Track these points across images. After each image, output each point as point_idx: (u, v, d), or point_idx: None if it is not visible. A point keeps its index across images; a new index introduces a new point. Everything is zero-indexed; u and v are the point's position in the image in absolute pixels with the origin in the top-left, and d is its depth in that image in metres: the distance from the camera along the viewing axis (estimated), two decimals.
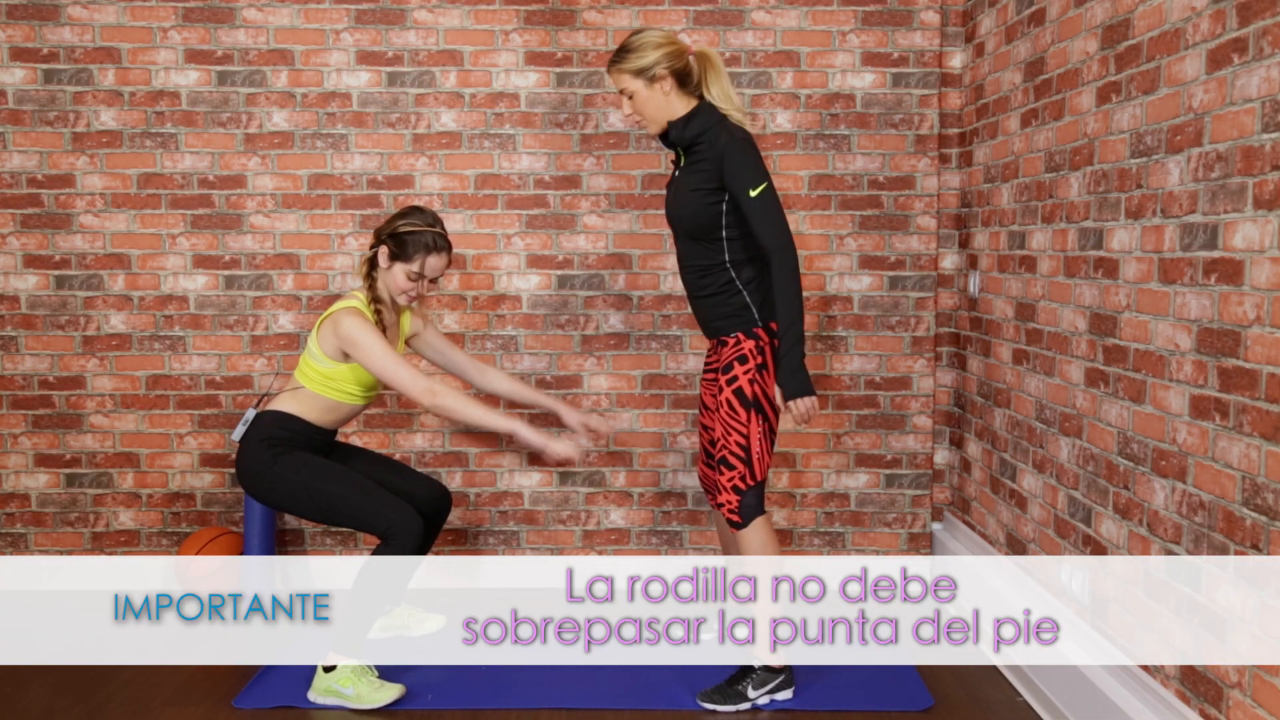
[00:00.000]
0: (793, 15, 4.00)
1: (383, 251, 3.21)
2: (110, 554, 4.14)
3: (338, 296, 4.05)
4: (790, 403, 2.99)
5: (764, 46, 4.00)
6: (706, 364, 3.28)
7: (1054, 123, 3.19)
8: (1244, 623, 2.23)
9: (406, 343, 3.44)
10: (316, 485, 3.12)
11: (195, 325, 4.08)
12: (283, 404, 3.22)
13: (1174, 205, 2.50)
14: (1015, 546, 3.52)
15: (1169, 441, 2.53)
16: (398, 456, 4.09)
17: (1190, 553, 2.44)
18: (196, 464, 4.11)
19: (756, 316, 3.05)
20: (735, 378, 3.03)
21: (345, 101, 4.01)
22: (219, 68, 4.00)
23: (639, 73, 3.00)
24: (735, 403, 3.03)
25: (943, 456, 4.23)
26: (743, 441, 3.04)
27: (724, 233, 3.04)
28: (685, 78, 3.04)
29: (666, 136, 3.10)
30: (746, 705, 3.07)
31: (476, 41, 4.01)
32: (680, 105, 3.04)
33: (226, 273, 4.06)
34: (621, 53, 3.03)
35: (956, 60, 4.10)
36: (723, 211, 3.02)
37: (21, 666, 3.39)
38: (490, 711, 3.05)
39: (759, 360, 3.04)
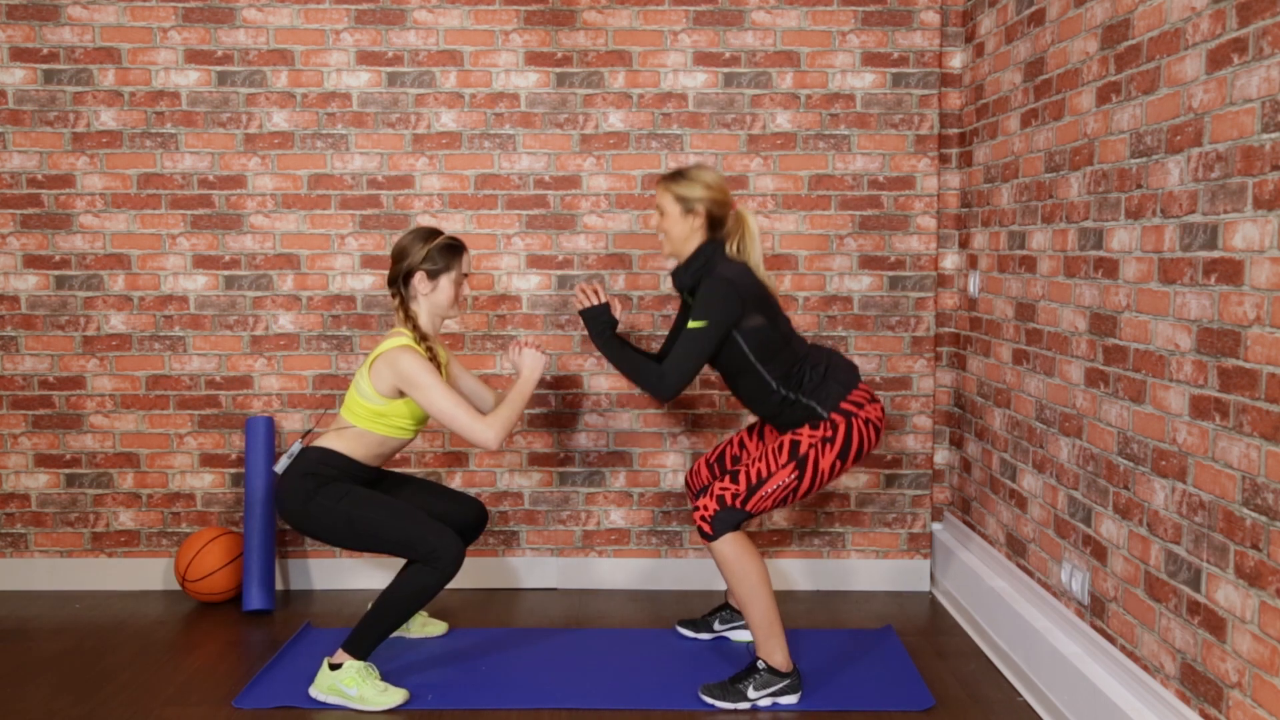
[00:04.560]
0: (793, 15, 4.00)
1: (419, 279, 3.21)
2: (110, 554, 4.14)
3: (337, 297, 4.06)
4: (580, 312, 3.30)
5: (764, 46, 4.00)
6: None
7: (1054, 123, 3.19)
8: (1244, 623, 2.23)
9: None
10: (357, 514, 3.12)
11: (195, 325, 4.08)
12: (330, 441, 3.22)
13: (1174, 205, 2.50)
14: (1015, 546, 3.52)
15: (1169, 441, 2.53)
16: (398, 457, 4.09)
17: (1190, 553, 2.44)
18: (196, 464, 4.11)
19: (823, 412, 3.11)
20: (801, 435, 3.11)
21: (345, 101, 4.01)
22: (219, 68, 4.00)
23: (680, 199, 3.18)
24: (787, 448, 3.10)
25: (943, 456, 4.23)
26: (763, 474, 3.08)
27: (755, 363, 3.12)
28: (717, 224, 3.21)
29: (674, 277, 3.28)
30: (745, 705, 3.07)
31: (476, 41, 4.01)
32: (696, 241, 3.19)
33: (226, 273, 4.06)
34: (676, 175, 3.21)
35: (956, 60, 4.10)
36: (743, 346, 3.10)
37: (21, 666, 3.39)
38: (490, 711, 3.05)
39: (828, 434, 3.10)
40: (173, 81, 4.00)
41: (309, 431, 3.36)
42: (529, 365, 3.30)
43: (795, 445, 3.09)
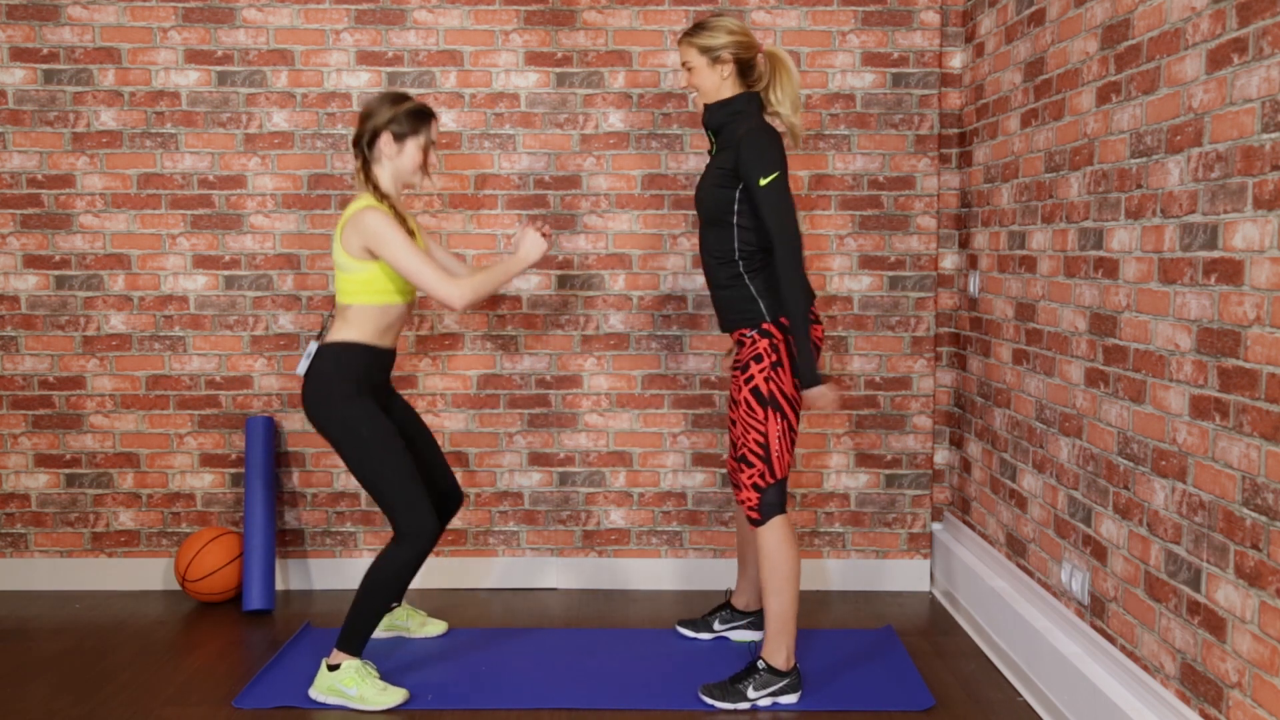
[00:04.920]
0: (793, 15, 4.00)
1: (385, 141, 3.16)
2: (110, 554, 4.14)
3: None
4: (805, 394, 3.02)
5: None
6: (734, 362, 3.33)
7: (1054, 123, 3.19)
8: (1244, 623, 2.23)
9: None
10: (376, 454, 3.09)
11: (195, 325, 4.08)
12: (339, 333, 3.17)
13: (1174, 205, 2.50)
14: (1015, 546, 3.52)
15: (1169, 441, 2.53)
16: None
17: (1190, 553, 2.44)
18: (196, 464, 4.11)
19: (764, 311, 3.07)
20: (752, 377, 3.06)
21: (345, 101, 4.01)
22: (219, 68, 4.00)
23: (705, 50, 3.11)
24: (753, 401, 3.06)
25: (943, 456, 4.23)
26: (761, 439, 3.06)
27: (735, 219, 3.08)
28: (747, 69, 3.15)
29: (706, 113, 3.19)
30: (745, 705, 3.07)
31: (476, 41, 4.01)
32: (729, 91, 3.13)
33: (226, 273, 4.06)
34: (695, 28, 3.14)
35: (956, 60, 4.10)
36: (735, 199, 3.07)
37: (21, 666, 3.39)
38: (490, 711, 3.05)
39: (774, 358, 3.06)
40: (173, 81, 4.01)
41: (325, 327, 3.30)
42: (526, 246, 3.25)
43: (757, 392, 3.05)
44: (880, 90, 4.03)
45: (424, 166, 3.24)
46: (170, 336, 4.08)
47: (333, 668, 3.10)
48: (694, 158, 4.03)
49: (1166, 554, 2.54)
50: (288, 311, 4.08)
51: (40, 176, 4.02)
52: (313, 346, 3.21)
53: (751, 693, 3.07)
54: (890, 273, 4.08)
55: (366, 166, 3.21)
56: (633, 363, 4.09)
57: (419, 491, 3.12)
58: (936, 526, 4.22)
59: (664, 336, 4.09)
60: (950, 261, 4.16)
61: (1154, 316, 2.59)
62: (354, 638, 3.10)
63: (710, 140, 3.23)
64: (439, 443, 4.11)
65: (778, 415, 3.06)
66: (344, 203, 4.04)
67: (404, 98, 3.21)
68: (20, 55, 3.98)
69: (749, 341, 3.09)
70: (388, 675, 3.25)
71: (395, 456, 3.11)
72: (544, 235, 3.25)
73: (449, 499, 3.47)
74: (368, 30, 3.99)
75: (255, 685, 3.20)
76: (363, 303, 3.16)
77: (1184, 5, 2.46)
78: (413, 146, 3.19)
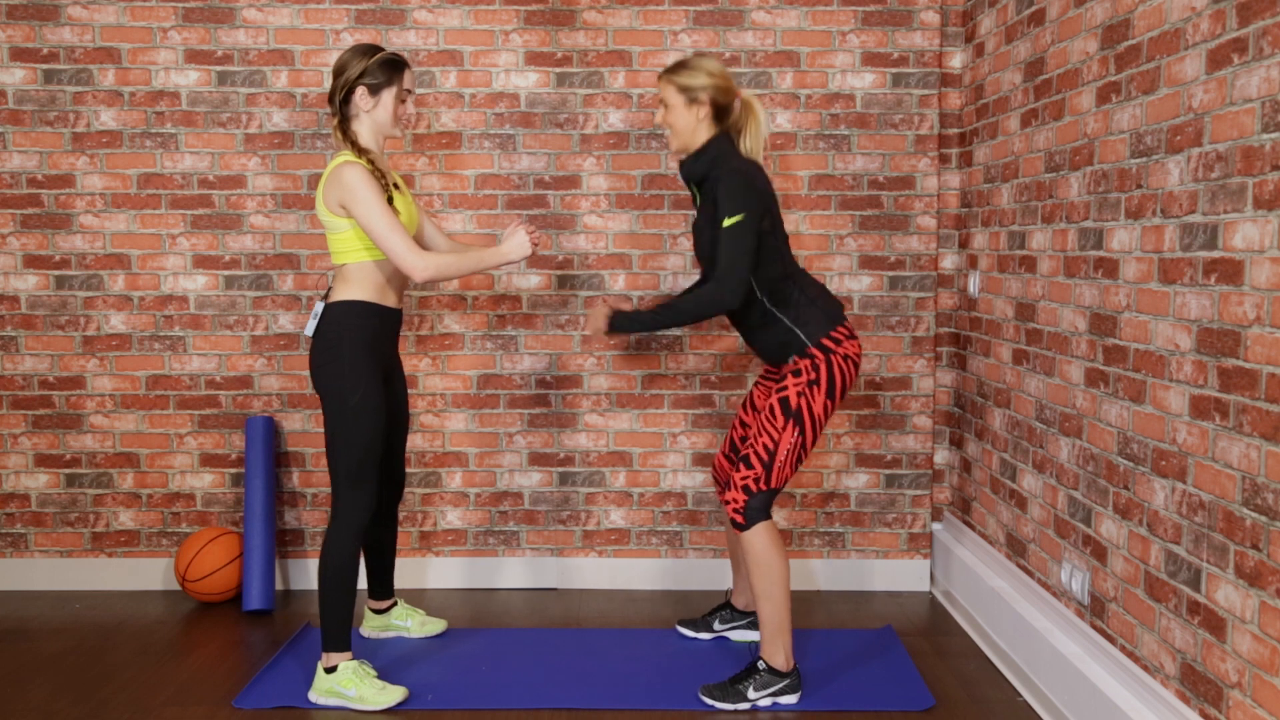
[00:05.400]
0: (793, 15, 4.00)
1: (360, 95, 3.12)
2: (110, 554, 4.14)
3: None
4: (606, 331, 3.17)
5: (764, 46, 4.00)
6: (765, 371, 3.37)
7: (1054, 123, 3.19)
8: (1244, 623, 2.23)
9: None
10: (352, 425, 3.06)
11: (195, 325, 4.08)
12: (341, 292, 3.13)
13: (1174, 205, 2.50)
14: (1015, 546, 3.52)
15: (1169, 441, 2.53)
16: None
17: (1190, 553, 2.44)
18: (196, 464, 4.11)
19: (805, 338, 3.09)
20: (785, 387, 3.08)
21: None
22: (219, 68, 4.00)
23: (683, 89, 3.12)
24: (778, 408, 3.07)
25: (943, 456, 4.23)
26: (770, 446, 3.06)
27: None
28: (722, 113, 3.15)
29: (682, 167, 3.20)
30: (745, 705, 3.07)
31: (476, 41, 4.01)
32: (704, 134, 3.14)
33: (226, 273, 4.06)
34: (676, 66, 3.15)
35: (956, 60, 4.10)
36: None
37: (22, 666, 3.39)
38: (490, 711, 3.05)
39: (812, 376, 3.07)
40: (173, 81, 4.01)
41: (329, 289, 3.26)
42: (512, 244, 3.20)
43: (785, 402, 3.06)
44: (880, 90, 4.03)
45: (400, 116, 3.20)
46: (170, 336, 4.08)
47: (329, 670, 3.09)
48: None
49: (1166, 554, 2.54)
50: (288, 311, 4.08)
51: (40, 176, 4.02)
52: (319, 306, 3.17)
53: (752, 693, 3.07)
54: (890, 273, 4.08)
55: (344, 123, 3.16)
56: (633, 363, 4.09)
57: (370, 475, 3.11)
58: (936, 526, 4.22)
59: (663, 336, 4.09)
60: (950, 261, 4.16)
61: (1154, 316, 2.60)
62: (333, 634, 3.10)
63: (693, 193, 3.24)
64: (441, 442, 4.11)
65: (796, 429, 3.07)
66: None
67: (375, 49, 3.15)
68: (20, 55, 3.98)
69: (792, 361, 3.11)
70: (387, 674, 3.25)
71: (369, 435, 3.09)
72: (533, 241, 3.22)
73: (391, 485, 3.48)
74: (368, 30, 3.99)
75: (255, 685, 3.20)
76: (358, 260, 3.11)
77: (1184, 5, 2.46)
78: (388, 97, 3.15)
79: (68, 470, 4.11)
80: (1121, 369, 2.76)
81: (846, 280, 4.08)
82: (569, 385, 4.11)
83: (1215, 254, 2.33)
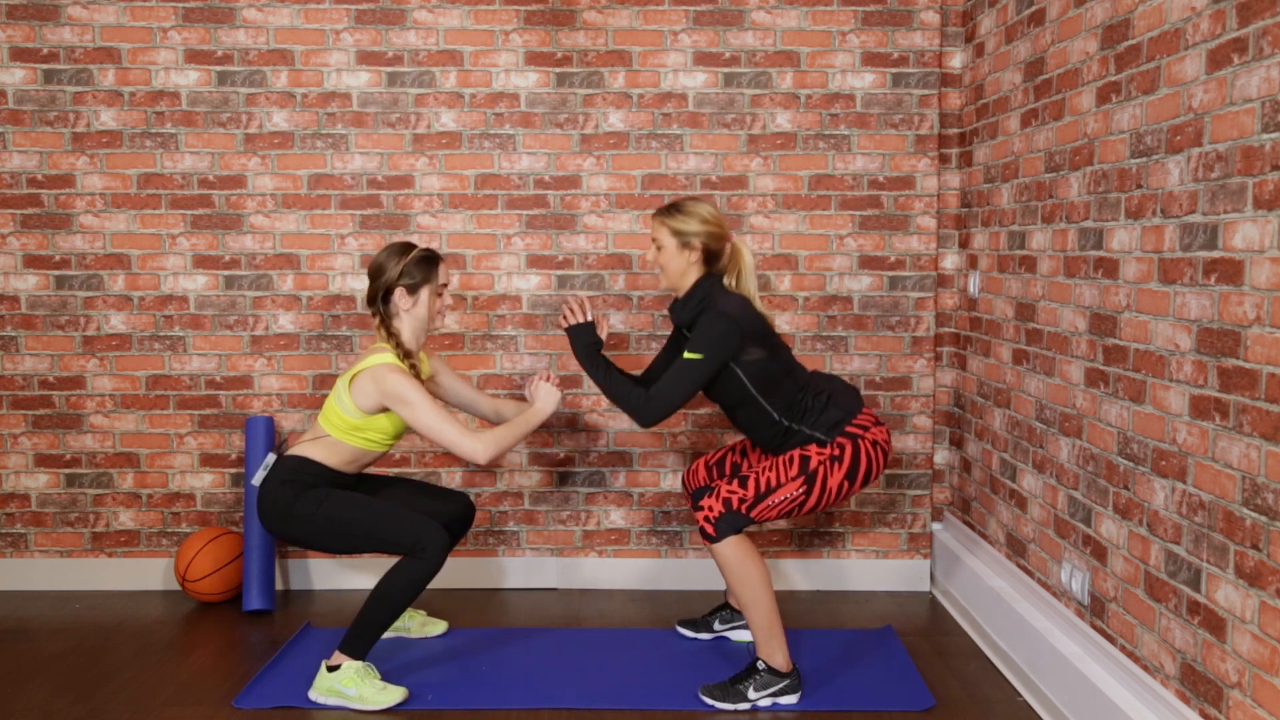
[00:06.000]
0: (793, 15, 4.00)
1: (399, 295, 3.20)
2: (110, 554, 4.14)
3: (337, 297, 4.06)
4: (566, 329, 3.28)
5: (764, 46, 4.00)
6: None
7: (1054, 123, 3.19)
8: (1244, 623, 2.23)
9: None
10: (339, 516, 3.13)
11: (195, 325, 4.08)
12: (305, 450, 3.22)
13: (1174, 205, 2.50)
14: (1015, 546, 3.52)
15: (1169, 441, 2.53)
16: (396, 458, 4.09)
17: (1190, 553, 2.44)
18: (196, 464, 4.11)
19: (825, 435, 3.12)
20: (810, 451, 3.10)
21: (345, 101, 4.01)
22: (219, 68, 4.00)
23: (677, 233, 3.17)
24: (798, 462, 3.09)
25: (943, 456, 4.23)
26: (772, 484, 3.08)
27: (754, 392, 3.12)
28: (713, 257, 3.20)
29: (672, 311, 3.28)
30: (745, 705, 3.07)
31: (476, 41, 4.01)
32: (693, 275, 3.19)
33: (226, 273, 4.06)
34: (671, 209, 3.20)
35: (956, 60, 4.10)
36: (740, 377, 3.10)
37: (21, 666, 3.39)
38: (490, 711, 3.05)
39: (836, 453, 3.10)
40: (173, 81, 4.01)
41: (283, 442, 3.35)
42: (543, 398, 3.32)
43: (805, 460, 3.09)
44: (880, 90, 4.03)
45: (439, 310, 3.30)
46: (170, 336, 4.08)
47: (332, 669, 3.09)
48: (694, 158, 4.03)
49: (1166, 554, 2.54)
50: (288, 311, 4.08)
51: (40, 176, 4.02)
52: (270, 458, 3.25)
53: (752, 693, 3.07)
54: (890, 273, 4.08)
55: (386, 322, 3.25)
56: (633, 363, 4.09)
57: (406, 514, 3.13)
58: (936, 526, 4.22)
59: (663, 336, 4.09)
60: (950, 261, 4.16)
61: (1154, 316, 2.59)
62: (358, 643, 3.10)
63: (684, 336, 3.30)
64: (433, 446, 4.11)
65: (803, 486, 3.08)
66: (344, 203, 4.04)
67: (409, 247, 3.24)
68: (20, 55, 3.98)
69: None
70: (388, 675, 3.25)
71: (362, 505, 3.14)
72: (555, 384, 3.34)
73: (462, 517, 3.46)
74: (368, 30, 3.99)
75: (255, 685, 3.20)
76: (343, 440, 3.21)
77: (1184, 5, 2.46)
78: (426, 294, 3.24)
79: (68, 470, 4.11)
80: (1121, 369, 2.76)
81: (846, 280, 4.08)
82: (569, 385, 4.11)
83: (1215, 254, 2.33)
